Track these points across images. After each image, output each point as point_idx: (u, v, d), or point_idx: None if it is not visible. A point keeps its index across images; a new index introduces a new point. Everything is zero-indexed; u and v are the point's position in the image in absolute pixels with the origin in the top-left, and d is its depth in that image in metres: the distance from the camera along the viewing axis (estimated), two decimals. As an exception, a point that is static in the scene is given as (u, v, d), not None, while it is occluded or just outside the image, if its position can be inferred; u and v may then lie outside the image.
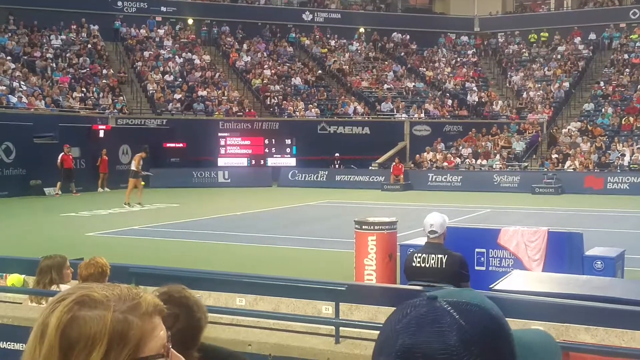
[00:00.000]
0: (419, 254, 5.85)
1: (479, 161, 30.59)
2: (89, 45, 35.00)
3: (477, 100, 36.15)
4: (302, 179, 30.43)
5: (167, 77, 34.46)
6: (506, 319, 0.95)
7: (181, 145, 30.11)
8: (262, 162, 31.73)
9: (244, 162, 31.48)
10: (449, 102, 35.87)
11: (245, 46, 38.64)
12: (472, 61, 40.48)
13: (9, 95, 27.36)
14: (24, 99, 27.71)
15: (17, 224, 16.86)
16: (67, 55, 33.44)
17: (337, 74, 38.33)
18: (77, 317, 0.94)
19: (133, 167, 20.93)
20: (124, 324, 0.96)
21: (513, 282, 6.04)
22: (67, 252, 5.84)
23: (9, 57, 30.85)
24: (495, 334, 0.91)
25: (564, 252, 8.00)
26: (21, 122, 25.06)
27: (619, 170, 27.83)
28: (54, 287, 5.15)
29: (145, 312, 1.00)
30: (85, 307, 0.95)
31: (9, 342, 4.64)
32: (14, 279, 6.04)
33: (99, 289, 1.00)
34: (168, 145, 29.83)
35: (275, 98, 34.62)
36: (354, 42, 41.61)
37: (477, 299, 0.93)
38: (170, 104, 32.30)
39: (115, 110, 30.83)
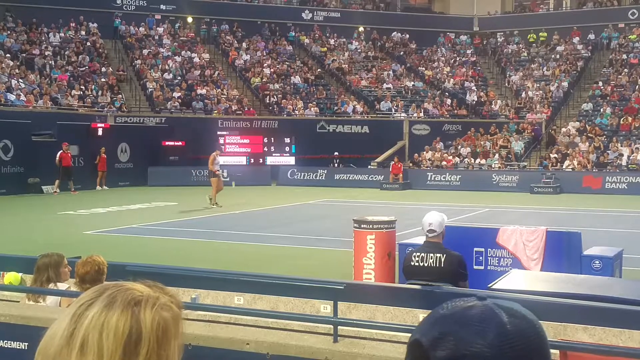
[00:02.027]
0: (418, 253, 5.85)
1: (477, 160, 30.60)
2: (88, 43, 34.95)
3: (476, 99, 36.14)
4: (301, 177, 30.43)
5: (166, 75, 34.41)
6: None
7: (180, 143, 30.08)
8: (261, 160, 31.68)
9: (243, 160, 31.44)
10: (448, 101, 35.85)
11: (244, 45, 38.59)
12: (471, 61, 40.47)
13: (7, 93, 27.33)
14: (22, 97, 27.67)
15: (14, 222, 16.82)
16: (66, 52, 33.38)
17: (336, 72, 38.31)
18: (163, 319, 1.08)
19: (210, 168, 20.82)
20: (180, 319, 1.13)
21: (511, 281, 6.03)
22: (65, 251, 5.83)
23: (7, 55, 30.79)
24: (534, 345, 0.95)
25: (562, 251, 7.98)
26: (19, 119, 25.03)
27: (617, 170, 27.87)
28: (51, 286, 5.13)
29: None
30: (164, 309, 1.10)
31: (6, 341, 4.63)
32: (11, 277, 6.02)
33: (163, 291, 1.15)
34: (167, 143, 29.80)
35: (275, 97, 34.58)
36: (354, 41, 41.60)
37: (525, 310, 0.98)
38: (169, 102, 32.26)
39: (114, 109, 30.79)
